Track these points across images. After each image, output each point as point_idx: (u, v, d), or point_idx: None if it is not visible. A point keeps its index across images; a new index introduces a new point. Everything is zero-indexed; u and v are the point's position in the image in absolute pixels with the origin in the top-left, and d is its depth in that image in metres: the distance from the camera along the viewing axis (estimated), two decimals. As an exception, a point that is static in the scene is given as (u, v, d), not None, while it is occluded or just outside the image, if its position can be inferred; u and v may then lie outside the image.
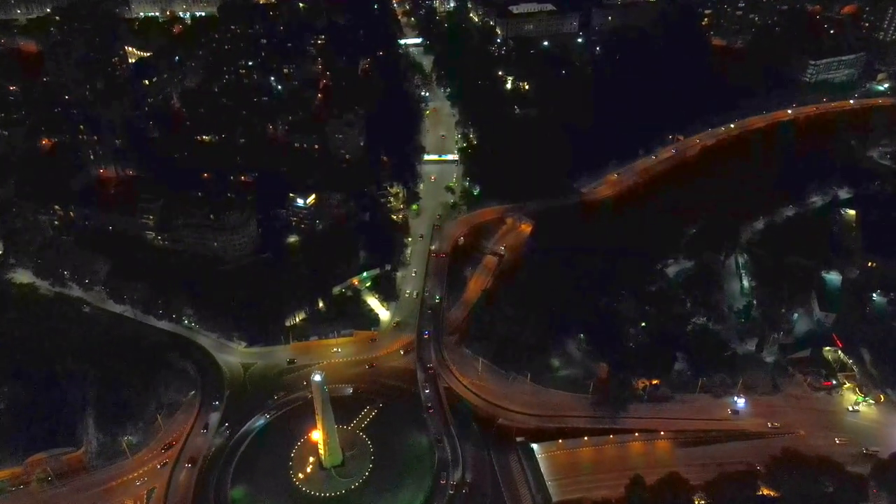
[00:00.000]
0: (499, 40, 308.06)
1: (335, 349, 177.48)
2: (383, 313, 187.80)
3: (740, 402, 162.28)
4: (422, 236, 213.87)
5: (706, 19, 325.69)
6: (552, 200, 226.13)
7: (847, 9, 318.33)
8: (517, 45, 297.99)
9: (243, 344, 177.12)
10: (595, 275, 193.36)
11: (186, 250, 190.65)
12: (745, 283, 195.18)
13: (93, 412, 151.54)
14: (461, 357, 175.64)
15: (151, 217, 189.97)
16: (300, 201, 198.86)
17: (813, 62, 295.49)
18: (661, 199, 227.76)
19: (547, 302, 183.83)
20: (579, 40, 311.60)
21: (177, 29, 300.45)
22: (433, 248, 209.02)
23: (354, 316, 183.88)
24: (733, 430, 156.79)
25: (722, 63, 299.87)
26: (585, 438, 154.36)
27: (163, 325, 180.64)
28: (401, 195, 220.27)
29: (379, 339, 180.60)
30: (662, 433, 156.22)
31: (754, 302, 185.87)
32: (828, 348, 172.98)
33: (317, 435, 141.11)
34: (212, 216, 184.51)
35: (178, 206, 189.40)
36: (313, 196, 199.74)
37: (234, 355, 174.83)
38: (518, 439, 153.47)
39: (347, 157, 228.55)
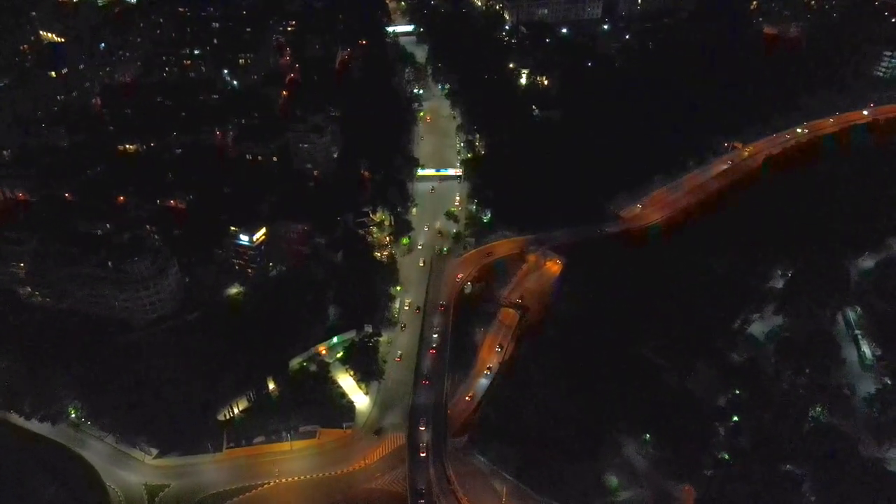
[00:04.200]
0: (508, 27, 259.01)
1: (289, 458, 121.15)
2: (360, 399, 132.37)
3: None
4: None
5: (753, 3, 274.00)
6: (585, 228, 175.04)
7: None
8: (531, 32, 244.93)
9: (153, 453, 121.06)
10: (652, 335, 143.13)
11: (75, 312, 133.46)
12: (866, 350, 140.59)
13: None
14: (472, 472, 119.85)
15: (21, 265, 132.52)
16: (244, 237, 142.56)
17: (889, 53, 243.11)
18: (727, 226, 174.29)
19: (591, 380, 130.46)
20: (605, 27, 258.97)
21: (118, 12, 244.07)
22: (430, 298, 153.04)
23: (319, 404, 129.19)
24: None
25: (775, 55, 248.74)
26: None
27: (31, 424, 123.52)
28: (386, 224, 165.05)
29: (354, 442, 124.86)
30: None
31: (888, 381, 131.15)
32: None
33: None
34: (110, 263, 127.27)
35: (58, 250, 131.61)
36: (263, 231, 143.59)
37: (137, 472, 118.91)
38: None
39: (315, 172, 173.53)
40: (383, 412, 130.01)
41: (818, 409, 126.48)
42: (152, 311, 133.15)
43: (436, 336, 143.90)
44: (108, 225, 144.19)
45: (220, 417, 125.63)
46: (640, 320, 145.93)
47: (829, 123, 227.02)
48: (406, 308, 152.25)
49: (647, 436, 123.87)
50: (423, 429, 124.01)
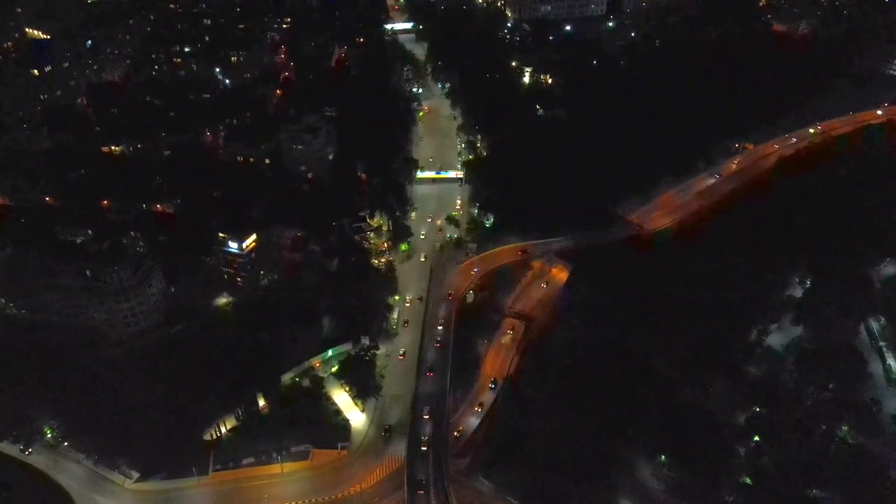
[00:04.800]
0: (510, 24, 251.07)
1: (279, 481, 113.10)
2: (356, 417, 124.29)
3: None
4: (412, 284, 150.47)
5: (762, 0, 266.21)
6: (592, 233, 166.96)
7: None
8: (534, 29, 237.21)
9: (133, 476, 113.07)
10: (665, 347, 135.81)
11: (52, 324, 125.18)
12: (892, 363, 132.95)
13: None
14: (476, 497, 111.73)
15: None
16: (233, 245, 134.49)
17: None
18: (740, 230, 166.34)
19: (601, 395, 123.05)
20: (609, 24, 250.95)
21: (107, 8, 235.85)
22: (430, 307, 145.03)
23: (312, 423, 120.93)
24: None
25: (785, 53, 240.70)
26: None
27: (3, 446, 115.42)
28: (384, 229, 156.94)
29: (349, 464, 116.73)
30: None
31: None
32: None
33: None
34: (88, 273, 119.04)
35: (34, 258, 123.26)
36: (253, 237, 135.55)
37: (116, 497, 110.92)
38: None
39: (309, 175, 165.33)
40: (381, 431, 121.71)
41: (844, 427, 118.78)
42: (134, 324, 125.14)
43: (437, 346, 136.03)
44: (89, 231, 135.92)
45: (206, 437, 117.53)
46: (651, 331, 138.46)
47: (842, 123, 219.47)
48: (407, 318, 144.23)
49: (663, 457, 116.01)
50: (424, 448, 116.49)
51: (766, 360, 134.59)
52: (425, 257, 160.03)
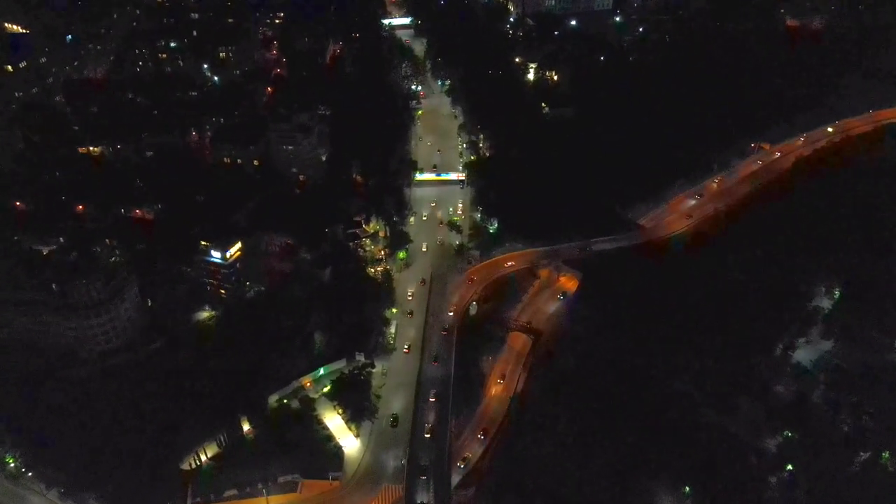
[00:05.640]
0: (512, 19, 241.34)
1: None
2: (350, 443, 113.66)
3: None
4: (412, 294, 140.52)
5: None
6: (602, 239, 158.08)
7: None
8: (538, 24, 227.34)
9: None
10: (683, 363, 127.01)
11: (14, 342, 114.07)
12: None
13: None
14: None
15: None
16: (216, 254, 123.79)
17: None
18: (759, 236, 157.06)
19: (616, 417, 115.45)
20: (616, 19, 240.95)
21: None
22: (430, 320, 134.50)
23: (302, 449, 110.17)
24: None
25: (798, 48, 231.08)
26: None
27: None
28: (381, 236, 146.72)
29: (342, 497, 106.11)
30: None
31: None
32: None
33: None
34: (54, 285, 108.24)
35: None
36: (237, 246, 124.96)
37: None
38: None
39: (301, 177, 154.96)
40: (377, 459, 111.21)
41: (885, 454, 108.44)
42: (106, 342, 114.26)
43: (436, 365, 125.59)
44: (61, 239, 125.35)
45: (184, 467, 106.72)
46: (668, 344, 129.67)
47: (861, 122, 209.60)
48: (405, 332, 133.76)
49: (687, 488, 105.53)
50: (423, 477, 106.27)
51: (794, 378, 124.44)
52: (428, 269, 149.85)
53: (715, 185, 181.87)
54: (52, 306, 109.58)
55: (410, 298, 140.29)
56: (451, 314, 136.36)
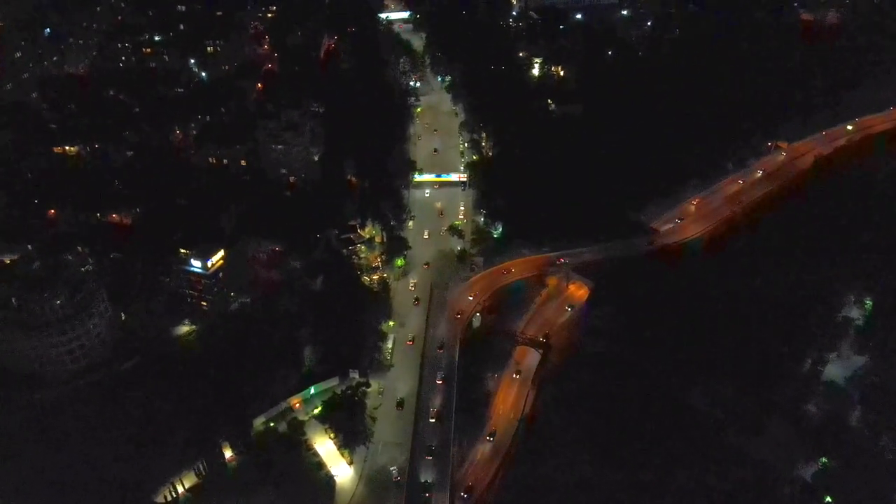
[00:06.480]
0: (515, 12, 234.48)
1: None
2: (343, 471, 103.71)
3: None
4: (416, 301, 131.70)
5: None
6: (614, 244, 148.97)
7: None
8: (542, 17, 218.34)
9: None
10: (704, 379, 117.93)
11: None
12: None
13: None
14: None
15: None
16: (197, 262, 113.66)
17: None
18: (781, 240, 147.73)
19: (631, 439, 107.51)
20: (623, 12, 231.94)
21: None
22: (430, 333, 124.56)
23: (290, 477, 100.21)
24: None
25: (813, 44, 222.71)
26: None
27: None
28: (377, 241, 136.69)
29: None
30: None
31: None
32: None
33: None
34: (14, 300, 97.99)
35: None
36: (220, 254, 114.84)
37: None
38: None
39: (291, 179, 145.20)
40: (372, 490, 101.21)
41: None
42: (73, 361, 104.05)
43: (439, 383, 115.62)
44: (29, 246, 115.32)
45: (159, 499, 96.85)
46: (686, 359, 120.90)
47: (882, 120, 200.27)
48: (403, 348, 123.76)
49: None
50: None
51: (826, 396, 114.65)
52: (428, 274, 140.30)
53: (730, 186, 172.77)
54: (12, 323, 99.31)
55: (411, 307, 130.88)
56: (453, 327, 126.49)
